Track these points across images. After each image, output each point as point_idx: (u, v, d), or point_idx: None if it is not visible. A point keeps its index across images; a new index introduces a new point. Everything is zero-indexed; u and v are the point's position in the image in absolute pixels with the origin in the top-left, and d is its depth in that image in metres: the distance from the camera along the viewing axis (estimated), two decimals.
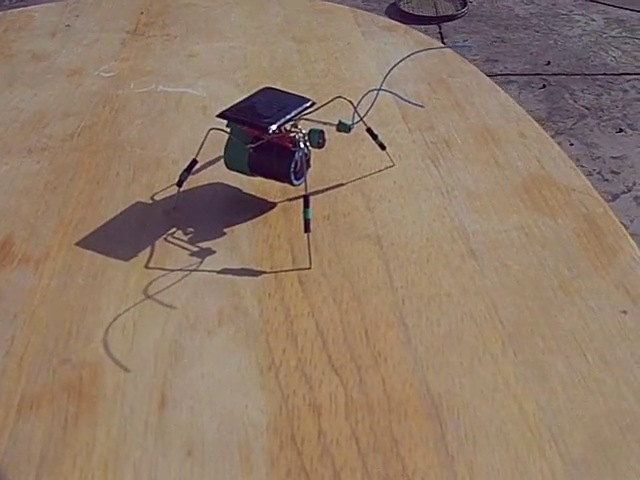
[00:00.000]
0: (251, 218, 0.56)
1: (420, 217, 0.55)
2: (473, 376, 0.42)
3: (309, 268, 0.50)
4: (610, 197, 1.97)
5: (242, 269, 0.51)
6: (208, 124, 0.70)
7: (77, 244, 0.55)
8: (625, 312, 0.47)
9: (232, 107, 0.57)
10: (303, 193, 0.51)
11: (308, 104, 0.56)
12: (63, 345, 0.46)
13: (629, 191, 1.98)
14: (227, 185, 0.60)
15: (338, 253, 0.51)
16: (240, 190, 0.60)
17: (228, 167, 0.58)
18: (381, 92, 0.56)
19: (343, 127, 0.55)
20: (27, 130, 0.71)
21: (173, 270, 0.51)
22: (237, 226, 0.56)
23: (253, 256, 0.52)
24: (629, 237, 0.53)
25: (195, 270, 0.51)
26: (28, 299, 0.50)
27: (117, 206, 0.59)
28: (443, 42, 2.76)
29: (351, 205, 0.57)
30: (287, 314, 0.46)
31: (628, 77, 2.46)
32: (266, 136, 0.53)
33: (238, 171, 0.58)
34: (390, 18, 3.13)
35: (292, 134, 0.54)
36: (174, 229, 0.56)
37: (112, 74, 0.82)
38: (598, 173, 2.06)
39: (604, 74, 2.49)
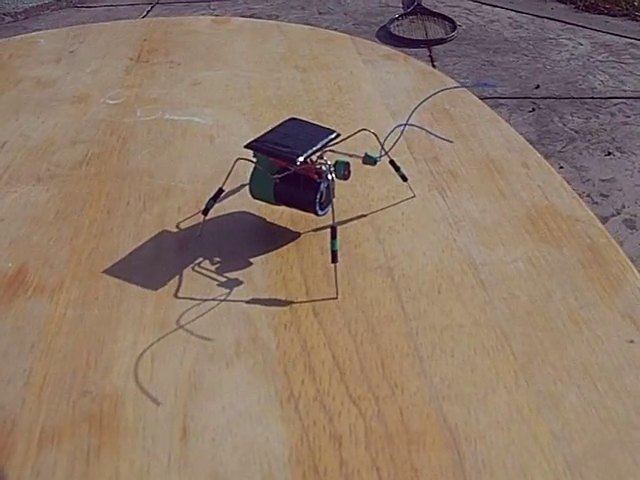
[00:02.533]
0: (274, 249, 0.57)
1: (430, 248, 0.56)
2: (488, 406, 0.43)
3: (336, 298, 0.51)
4: (600, 220, 1.99)
5: (257, 299, 0.52)
6: (215, 153, 0.72)
7: (91, 274, 0.55)
8: (632, 341, 0.48)
9: (259, 138, 0.58)
10: (330, 224, 0.52)
11: (333, 135, 0.57)
12: (82, 376, 0.46)
13: (618, 214, 2.01)
14: (251, 214, 0.61)
15: (351, 284, 0.52)
16: (265, 220, 0.61)
17: (253, 196, 0.59)
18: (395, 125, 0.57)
19: (369, 160, 0.56)
20: (35, 157, 0.72)
21: (191, 299, 0.52)
22: (255, 257, 0.56)
23: (267, 286, 0.53)
24: (633, 267, 0.54)
25: (211, 300, 0.52)
26: (45, 329, 0.50)
27: (129, 236, 0.60)
28: (433, 65, 2.79)
29: (361, 236, 0.58)
30: (304, 346, 0.47)
31: (615, 101, 2.50)
32: (293, 167, 0.54)
33: (263, 200, 0.59)
34: (380, 41, 3.16)
35: (318, 165, 0.55)
36: (189, 259, 0.57)
37: (118, 101, 0.83)
38: (587, 196, 2.09)
39: (592, 97, 2.53)
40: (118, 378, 0.46)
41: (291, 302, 0.51)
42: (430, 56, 2.91)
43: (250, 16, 3.13)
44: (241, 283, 0.54)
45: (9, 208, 0.64)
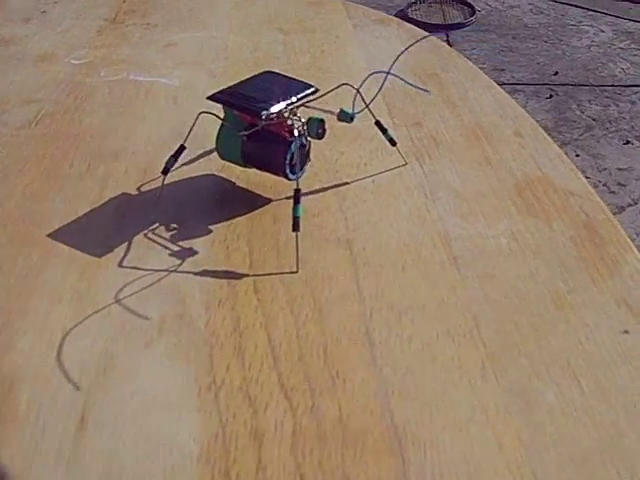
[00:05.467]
0: (229, 218, 0.50)
1: (398, 220, 0.49)
2: (446, 404, 0.36)
3: (296, 272, 0.45)
4: (616, 209, 1.91)
5: (192, 272, 0.45)
6: (176, 114, 0.65)
7: (14, 241, 0.49)
8: (627, 332, 0.41)
9: (226, 89, 0.51)
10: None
11: (310, 90, 0.51)
12: None
13: (635, 204, 1.92)
14: (219, 177, 0.55)
15: (302, 258, 0.45)
16: (234, 184, 0.54)
17: (221, 157, 0.53)
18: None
19: (345, 116, 0.49)
20: None
21: (120, 270, 0.46)
22: (203, 226, 0.50)
23: (207, 257, 0.46)
24: (634, 247, 0.47)
25: (142, 270, 0.45)
26: None
27: (65, 200, 0.53)
28: None
29: (322, 205, 0.51)
30: (236, 325, 0.40)
31: (636, 89, 2.40)
32: (260, 122, 0.48)
33: (231, 161, 0.52)
34: None
35: (290, 122, 0.49)
36: (128, 226, 0.50)
37: (83, 61, 0.76)
38: (604, 185, 2.01)
39: (612, 85, 2.43)
40: (19, 357, 0.39)
41: (231, 276, 0.44)
42: (447, 41, 2.81)
43: None
44: (179, 254, 0.47)
45: None
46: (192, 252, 0.47)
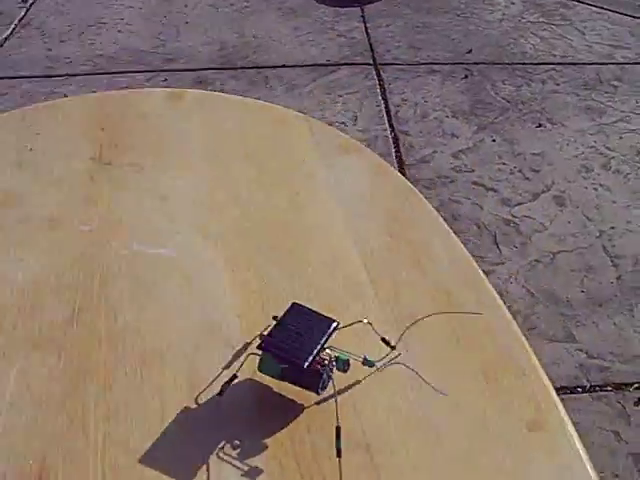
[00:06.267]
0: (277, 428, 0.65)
1: None
2: None
3: None
4: (530, 196, 2.11)
5: None
6: (197, 304, 0.76)
7: (111, 467, 0.62)
8: None
9: (270, 334, 0.65)
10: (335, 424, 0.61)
11: (333, 327, 0.65)
12: None
13: (548, 190, 2.12)
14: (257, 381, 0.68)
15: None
16: (271, 389, 0.68)
17: (260, 371, 0.66)
18: None
19: (368, 363, 0.65)
20: (26, 313, 0.75)
21: None
22: (254, 440, 0.64)
23: (267, 474, 0.61)
24: None
25: None
26: None
27: (134, 420, 0.65)
28: (366, 27, 2.78)
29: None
30: None
31: (546, 67, 2.58)
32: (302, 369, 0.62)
33: (269, 375, 0.66)
34: (315, 0, 3.10)
35: (322, 357, 0.64)
36: (201, 445, 0.63)
37: (90, 228, 0.86)
38: (519, 171, 2.20)
39: (523, 63, 2.60)
40: None
41: None
42: (362, 16, 2.90)
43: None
44: (249, 475, 0.61)
45: (16, 388, 0.68)
46: (258, 471, 0.61)
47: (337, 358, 0.64)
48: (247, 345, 0.72)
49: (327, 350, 0.64)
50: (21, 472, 0.61)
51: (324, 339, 0.64)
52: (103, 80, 2.46)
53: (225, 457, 0.63)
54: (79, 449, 0.63)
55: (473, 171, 2.17)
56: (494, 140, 2.30)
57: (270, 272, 0.80)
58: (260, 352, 0.64)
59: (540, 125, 2.34)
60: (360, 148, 0.98)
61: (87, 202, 0.89)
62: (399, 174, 0.96)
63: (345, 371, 0.64)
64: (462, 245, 0.85)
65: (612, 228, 1.98)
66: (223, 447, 0.63)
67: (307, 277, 0.79)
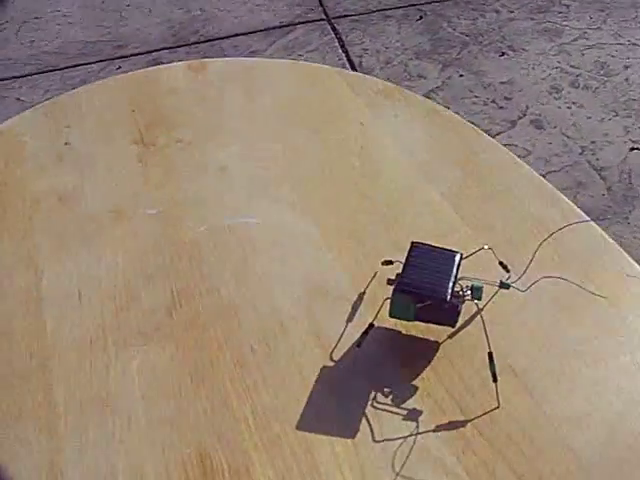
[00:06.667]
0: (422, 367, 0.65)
1: None
2: None
3: (497, 407, 0.62)
4: (509, 124, 2.14)
5: (432, 430, 0.60)
6: (300, 270, 0.75)
7: (271, 443, 0.61)
8: None
9: (402, 277, 0.64)
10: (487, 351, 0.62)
11: (458, 258, 0.65)
12: None
13: (524, 115, 2.15)
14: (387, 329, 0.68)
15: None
16: (400, 332, 0.68)
17: (392, 316, 0.66)
18: None
19: (504, 286, 0.65)
20: (122, 308, 0.73)
21: (384, 445, 0.60)
22: (402, 383, 0.64)
23: (427, 412, 0.62)
24: None
25: (396, 439, 0.60)
26: None
27: (276, 384, 0.65)
28: None
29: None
30: None
31: None
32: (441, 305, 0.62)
33: (401, 319, 0.66)
34: None
35: (457, 289, 0.64)
36: (350, 401, 0.63)
37: (157, 211, 0.83)
38: (492, 102, 2.22)
39: None
40: None
41: (455, 424, 0.61)
42: None
43: None
44: (410, 416, 0.62)
45: (143, 382, 0.67)
46: (418, 412, 0.62)
47: (472, 287, 0.64)
48: (362, 295, 0.72)
49: (459, 282, 0.65)
50: (182, 462, 0.60)
51: (455, 270, 0.64)
52: (55, 77, 2.37)
53: (380, 406, 0.63)
54: (231, 427, 0.62)
55: (449, 108, 2.18)
56: (461, 75, 2.32)
57: (361, 225, 0.80)
58: (393, 296, 0.64)
59: (503, 54, 2.36)
60: (400, 90, 0.98)
61: (145, 186, 0.87)
62: (446, 109, 0.96)
63: (480, 299, 0.65)
64: (530, 168, 0.86)
65: (592, 142, 2.04)
66: (375, 397, 0.64)
67: (398, 225, 0.79)
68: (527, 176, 0.84)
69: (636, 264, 0.73)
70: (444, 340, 0.68)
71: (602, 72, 2.24)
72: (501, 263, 0.69)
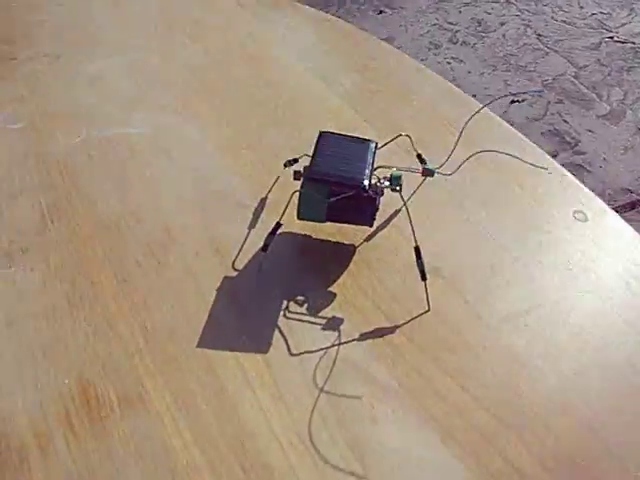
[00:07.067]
0: (336, 274, 0.57)
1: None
2: None
3: (428, 311, 0.55)
4: None
5: (356, 339, 0.53)
6: (184, 173, 0.66)
7: (169, 366, 0.52)
8: None
9: (311, 166, 0.56)
10: (413, 245, 0.54)
11: (373, 146, 0.57)
12: None
13: None
14: (294, 233, 0.60)
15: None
16: (310, 237, 0.60)
17: (300, 219, 0.57)
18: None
19: (428, 172, 0.57)
20: None
21: (295, 359, 0.52)
22: (316, 289, 0.56)
23: (350, 320, 0.54)
24: None
25: (311, 352, 0.52)
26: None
27: (170, 305, 0.55)
28: None
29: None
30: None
31: None
32: (359, 192, 0.54)
33: (311, 220, 0.58)
34: None
35: (373, 181, 0.55)
36: (260, 312, 0.55)
37: (20, 125, 0.71)
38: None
39: None
40: None
41: (385, 331, 0.53)
42: None
43: None
44: (329, 325, 0.54)
45: (7, 304, 0.55)
46: (339, 320, 0.54)
47: (391, 176, 0.57)
48: (264, 201, 0.63)
49: (375, 174, 0.57)
50: (60, 396, 0.49)
51: (371, 159, 0.57)
52: None
53: (294, 316, 0.55)
54: (117, 352, 0.52)
55: None
56: None
57: (256, 132, 0.71)
58: (302, 188, 0.56)
59: (381, 12, 2.33)
60: (289, 0, 0.89)
61: (5, 102, 0.74)
62: (338, 18, 0.88)
63: (399, 190, 0.57)
64: (431, 70, 0.80)
65: (473, 96, 2.04)
66: (287, 307, 0.55)
67: (297, 130, 0.71)
68: (433, 78, 0.78)
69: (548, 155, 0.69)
70: (360, 244, 0.60)
71: (479, 29, 2.26)
72: (419, 156, 0.62)
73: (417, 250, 0.54)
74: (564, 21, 2.17)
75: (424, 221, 0.62)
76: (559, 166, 0.67)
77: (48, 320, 0.54)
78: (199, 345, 0.53)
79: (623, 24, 2.19)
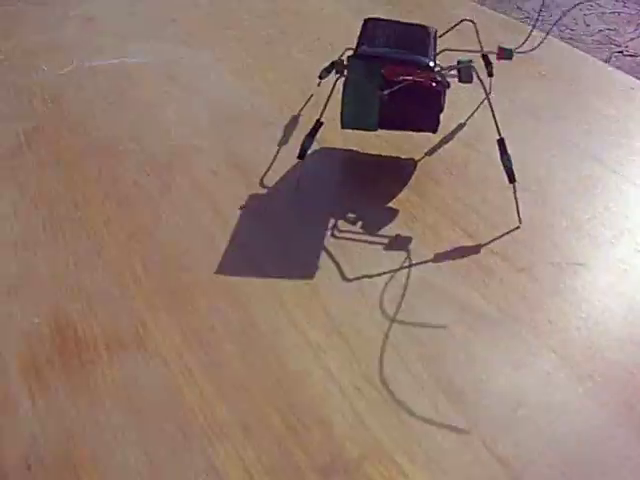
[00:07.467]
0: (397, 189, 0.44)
1: None
2: None
3: (518, 227, 0.41)
4: None
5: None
6: (189, 95, 0.54)
7: (174, 303, 0.37)
8: None
9: (362, 45, 0.43)
10: (496, 137, 0.40)
11: (434, 31, 0.44)
12: None
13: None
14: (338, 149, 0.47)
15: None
16: (357, 152, 0.47)
17: (345, 125, 0.44)
18: None
19: (507, 54, 0.43)
20: None
21: (353, 285, 0.37)
22: (369, 207, 0.42)
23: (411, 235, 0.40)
24: None
25: (369, 277, 0.38)
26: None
27: (183, 227, 0.42)
28: None
29: None
30: None
31: None
32: (424, 76, 0.40)
33: (360, 128, 0.44)
34: None
35: (437, 69, 0.42)
36: (307, 232, 0.41)
37: (2, 57, 0.59)
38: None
39: None
40: None
41: (453, 245, 0.40)
42: None
43: None
44: (390, 245, 0.40)
45: None
46: (405, 239, 0.40)
47: (458, 63, 0.43)
48: (297, 118, 0.51)
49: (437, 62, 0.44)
50: (25, 336, 0.35)
51: (433, 44, 0.44)
52: None
53: (346, 235, 0.41)
54: (107, 283, 0.38)
55: None
56: None
57: (281, 55, 0.60)
58: (348, 74, 0.42)
59: None
60: None
61: None
62: None
63: (471, 80, 0.44)
64: None
65: None
66: (335, 225, 0.42)
67: (328, 55, 0.58)
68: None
69: None
70: (421, 157, 0.47)
71: None
72: (484, 56, 0.48)
73: (501, 142, 0.41)
74: (571, 38, 2.09)
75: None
76: None
77: (17, 250, 0.40)
78: (219, 271, 0.38)
79: (632, 38, 2.12)
